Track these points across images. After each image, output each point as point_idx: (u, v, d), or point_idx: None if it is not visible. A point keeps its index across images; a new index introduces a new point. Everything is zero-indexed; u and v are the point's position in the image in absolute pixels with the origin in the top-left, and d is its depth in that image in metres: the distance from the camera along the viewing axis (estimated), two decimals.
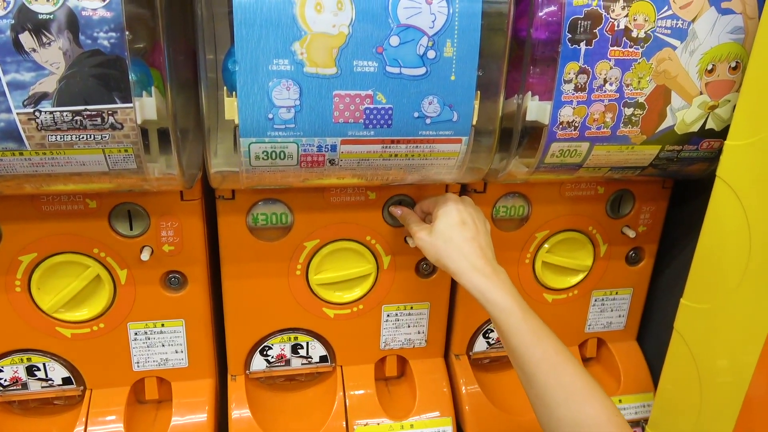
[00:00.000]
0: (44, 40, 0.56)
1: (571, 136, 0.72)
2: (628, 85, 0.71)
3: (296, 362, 0.93)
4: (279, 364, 0.92)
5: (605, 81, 0.70)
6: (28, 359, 0.83)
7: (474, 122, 0.69)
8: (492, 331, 0.98)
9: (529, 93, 0.71)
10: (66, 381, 0.86)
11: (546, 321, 0.97)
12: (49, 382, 0.86)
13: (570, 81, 0.69)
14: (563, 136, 0.72)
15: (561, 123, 0.71)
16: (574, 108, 0.70)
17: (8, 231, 0.75)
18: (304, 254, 0.85)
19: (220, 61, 0.65)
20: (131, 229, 0.79)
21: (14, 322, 0.80)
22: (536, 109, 0.71)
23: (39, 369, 0.84)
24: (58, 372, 0.85)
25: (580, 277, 0.96)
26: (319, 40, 0.62)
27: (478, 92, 0.68)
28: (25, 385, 0.85)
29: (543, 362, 0.66)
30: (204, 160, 0.74)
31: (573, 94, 0.70)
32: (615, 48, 0.69)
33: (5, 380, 0.84)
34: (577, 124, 0.71)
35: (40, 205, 0.75)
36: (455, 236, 0.73)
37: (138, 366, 0.87)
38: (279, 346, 0.91)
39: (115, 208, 0.77)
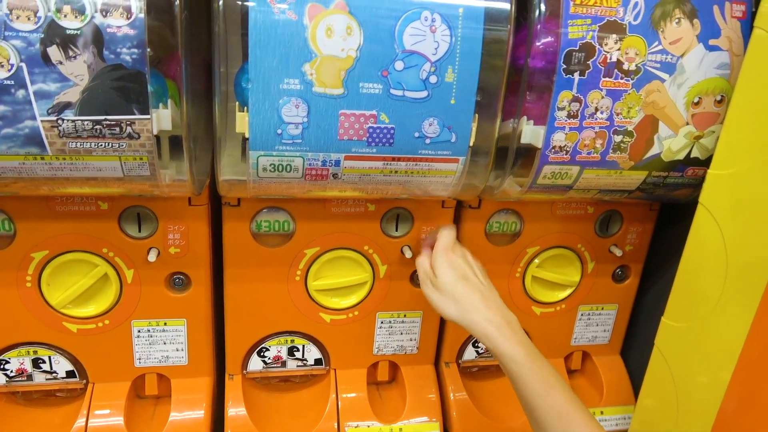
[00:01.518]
0: (70, 53, 0.60)
1: (562, 160, 0.76)
2: (618, 114, 0.75)
3: (292, 364, 0.96)
4: (275, 365, 0.95)
5: (596, 109, 0.74)
6: (35, 352, 0.87)
7: (471, 143, 0.73)
8: None
9: (525, 117, 0.75)
10: (70, 374, 0.89)
11: (534, 333, 1.02)
12: (54, 374, 0.89)
13: (563, 108, 0.73)
14: (555, 160, 0.76)
15: (553, 147, 0.75)
16: (566, 133, 0.74)
17: (22, 229, 0.79)
18: (304, 261, 0.89)
19: (232, 75, 0.69)
20: (140, 231, 0.82)
21: (23, 316, 0.83)
22: (531, 133, 0.75)
23: (44, 362, 0.88)
24: (62, 365, 0.88)
25: (568, 292, 1.00)
26: (329, 62, 0.66)
27: (476, 115, 0.72)
28: (30, 377, 0.88)
29: (553, 411, 0.69)
30: (213, 167, 0.77)
31: (566, 120, 0.74)
32: (607, 79, 0.73)
33: (11, 371, 0.87)
34: (568, 149, 0.75)
35: (54, 205, 0.78)
36: (461, 291, 0.76)
37: (139, 362, 0.90)
38: (276, 348, 0.94)
39: (125, 210, 0.80)
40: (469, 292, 0.76)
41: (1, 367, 0.86)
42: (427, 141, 0.71)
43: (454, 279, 0.77)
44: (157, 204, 0.81)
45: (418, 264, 0.83)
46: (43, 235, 0.79)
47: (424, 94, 0.69)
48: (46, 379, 0.89)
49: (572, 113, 0.73)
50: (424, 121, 0.70)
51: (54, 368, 0.88)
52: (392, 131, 0.70)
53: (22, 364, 0.87)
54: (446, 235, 0.81)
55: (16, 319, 0.83)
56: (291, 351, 0.95)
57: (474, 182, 0.78)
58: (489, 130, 0.74)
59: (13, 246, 0.79)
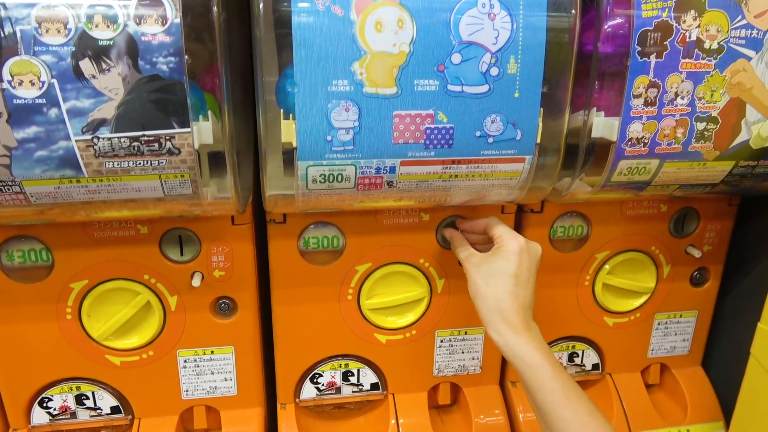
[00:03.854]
0: (104, 66, 0.55)
1: (640, 153, 0.69)
2: (700, 99, 0.67)
3: (347, 390, 0.90)
4: (329, 391, 0.89)
5: (676, 95, 0.66)
6: (77, 388, 0.82)
7: (538, 140, 0.66)
8: None
9: (595, 109, 0.68)
10: (114, 410, 0.84)
11: (606, 346, 0.94)
12: (98, 411, 0.84)
13: (639, 95, 0.66)
14: (632, 153, 0.68)
15: (630, 139, 0.67)
16: (643, 123, 0.67)
17: (60, 258, 0.75)
18: (356, 278, 0.83)
19: (272, 83, 0.64)
20: (182, 254, 0.78)
21: (64, 350, 0.79)
22: (602, 126, 0.68)
23: (88, 398, 0.83)
24: (106, 401, 0.83)
25: (643, 299, 0.92)
26: (379, 59, 0.60)
27: (542, 109, 0.65)
28: (74, 414, 0.84)
29: (575, 423, 0.63)
30: (255, 183, 0.72)
31: (643, 108, 0.66)
32: (687, 60, 0.65)
33: (54, 409, 0.83)
34: (646, 140, 0.68)
35: (92, 231, 0.74)
36: (500, 285, 0.68)
37: (187, 394, 0.85)
38: (330, 374, 0.88)
39: (166, 233, 0.76)
40: (508, 292, 0.68)
41: (44, 405, 0.82)
42: (490, 140, 0.65)
43: (506, 271, 0.68)
44: (199, 225, 0.76)
45: (455, 236, 0.77)
46: (82, 264, 0.75)
47: (484, 88, 0.63)
48: (91, 416, 0.84)
49: (649, 100, 0.66)
50: (486, 118, 0.64)
51: (98, 404, 0.84)
52: (451, 131, 0.64)
53: (65, 401, 0.83)
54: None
55: (57, 354, 0.79)
56: (345, 376, 0.89)
57: (541, 184, 0.71)
58: (557, 125, 0.67)
59: (51, 277, 0.75)
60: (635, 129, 0.67)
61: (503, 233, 0.71)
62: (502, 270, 0.68)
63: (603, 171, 0.70)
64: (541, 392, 0.64)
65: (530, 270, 0.70)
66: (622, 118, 0.66)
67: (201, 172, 0.64)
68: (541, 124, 0.65)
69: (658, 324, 0.95)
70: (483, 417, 0.91)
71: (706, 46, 0.65)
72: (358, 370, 0.89)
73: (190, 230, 0.76)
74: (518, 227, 0.85)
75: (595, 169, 0.71)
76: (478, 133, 0.64)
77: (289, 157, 0.64)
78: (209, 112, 0.62)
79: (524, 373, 0.65)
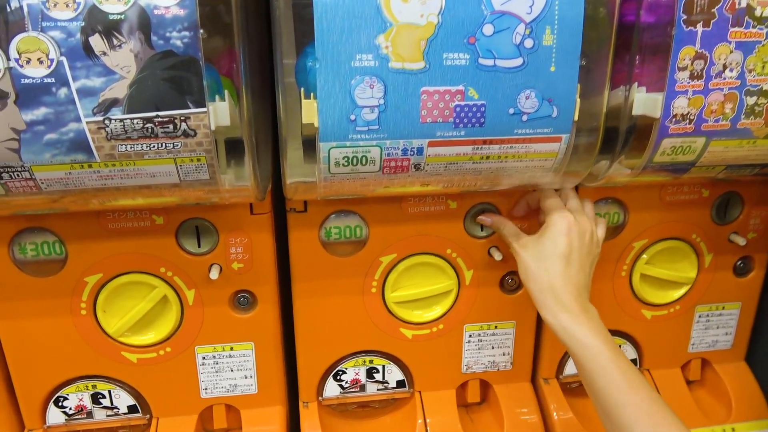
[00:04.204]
0: (115, 42, 0.52)
1: (685, 131, 0.64)
2: (750, 71, 0.62)
3: (372, 387, 0.86)
4: (353, 389, 0.85)
5: (725, 67, 0.62)
6: (93, 386, 0.79)
7: (575, 118, 0.62)
8: None
9: (636, 84, 0.63)
10: (132, 409, 0.81)
11: (645, 340, 0.89)
12: (115, 410, 0.81)
13: (685, 68, 0.61)
14: (676, 131, 0.64)
15: (674, 116, 0.63)
16: (689, 98, 0.62)
17: (74, 251, 0.72)
18: (380, 270, 0.79)
19: (292, 66, 0.60)
20: (199, 246, 0.74)
21: (79, 347, 0.76)
22: (644, 102, 0.63)
23: (104, 396, 0.80)
24: (123, 399, 0.80)
25: (683, 290, 0.87)
26: (406, 31, 0.56)
27: (579, 85, 0.61)
28: (90, 414, 0.81)
29: (637, 410, 0.58)
30: (276, 170, 0.69)
31: (688, 82, 0.62)
32: (736, 29, 0.61)
33: (70, 409, 0.80)
34: (692, 117, 0.63)
35: (106, 222, 0.71)
36: (552, 268, 0.66)
37: (206, 393, 0.82)
38: (353, 371, 0.84)
39: (182, 224, 0.73)
40: (560, 274, 0.65)
41: (60, 404, 0.79)
42: (524, 118, 0.61)
43: (557, 253, 0.66)
44: (217, 215, 0.73)
45: (500, 221, 0.75)
46: (97, 256, 0.72)
47: (518, 61, 0.58)
48: (107, 416, 0.81)
49: (696, 73, 0.61)
50: (520, 94, 0.60)
51: (115, 403, 0.81)
52: (483, 109, 0.60)
53: (81, 400, 0.80)
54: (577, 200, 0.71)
55: (72, 351, 0.76)
56: (370, 373, 0.85)
57: (577, 167, 0.67)
58: (595, 102, 0.63)
59: (65, 270, 0.72)
60: (680, 104, 0.62)
61: (552, 208, 0.68)
62: (550, 251, 0.66)
63: (644, 151, 0.66)
64: (601, 378, 0.60)
65: (582, 249, 0.67)
66: (666, 92, 0.62)
67: (218, 157, 0.61)
68: (578, 100, 0.61)
69: (699, 317, 0.90)
70: (515, 416, 0.86)
71: (758, 13, 0.60)
72: (383, 366, 0.85)
73: (208, 220, 0.73)
74: None
75: (635, 150, 0.67)
76: (511, 111, 0.60)
77: (310, 140, 0.60)
78: (226, 93, 0.58)
79: (581, 358, 0.62)
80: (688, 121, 0.63)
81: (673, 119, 0.63)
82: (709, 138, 0.65)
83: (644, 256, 0.84)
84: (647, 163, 0.67)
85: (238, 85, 0.58)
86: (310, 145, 0.61)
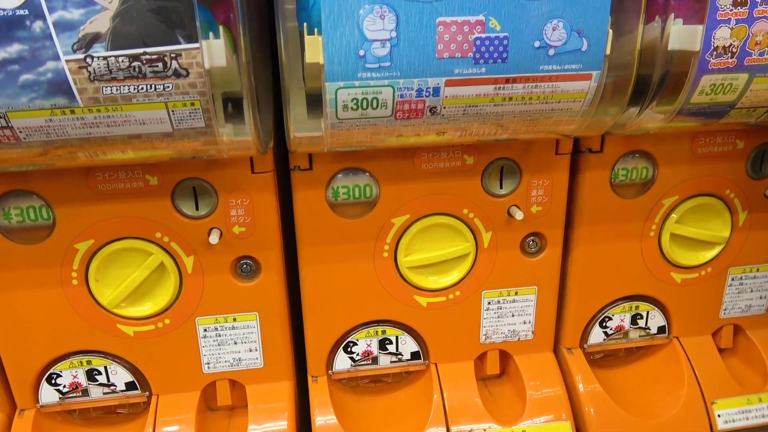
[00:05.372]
0: None
1: (726, 66, 0.58)
2: None
3: (385, 360, 0.81)
4: (365, 362, 0.80)
5: None
6: (88, 362, 0.75)
7: (607, 51, 0.56)
8: (610, 319, 0.83)
9: (672, 15, 0.57)
10: (130, 386, 0.77)
11: (674, 306, 0.84)
12: (112, 387, 0.76)
13: None
14: (717, 66, 0.58)
15: (715, 48, 0.57)
16: (731, 28, 0.56)
17: (62, 215, 0.67)
18: (392, 233, 0.73)
19: (293, 11, 0.55)
20: (197, 208, 0.69)
21: (72, 320, 0.71)
22: (682, 34, 0.57)
23: (100, 373, 0.75)
24: (120, 376, 0.76)
25: (716, 251, 0.82)
26: None
27: (611, 17, 0.55)
28: (85, 392, 0.76)
29: None
30: (279, 125, 0.64)
31: (731, 10, 0.56)
32: None
33: (64, 386, 0.75)
34: (735, 50, 0.57)
35: (96, 184, 0.66)
36: None
37: (208, 367, 0.77)
38: (365, 342, 0.79)
39: (178, 184, 0.68)
40: None
41: (53, 381, 0.75)
42: (551, 52, 0.55)
43: None
44: (215, 175, 0.68)
45: None
46: (87, 221, 0.67)
47: None
48: (104, 393, 0.77)
49: (739, 0, 0.55)
50: (546, 25, 0.54)
51: (112, 380, 0.76)
52: (505, 42, 0.54)
53: (75, 377, 0.75)
54: None
55: (64, 324, 0.71)
56: (383, 344, 0.80)
57: (607, 111, 0.61)
58: (629, 36, 0.57)
59: (53, 237, 0.67)
60: (722, 35, 0.57)
61: None
62: None
63: (681, 91, 0.60)
64: None
65: None
66: (707, 22, 0.56)
67: (215, 109, 0.55)
68: (611, 32, 0.55)
69: (732, 280, 0.84)
70: (537, 388, 0.81)
71: None
72: (397, 337, 0.80)
73: (206, 180, 0.68)
74: (574, 171, 0.75)
75: (670, 91, 0.61)
76: (537, 44, 0.54)
77: (315, 92, 0.55)
78: (221, 29, 0.53)
79: None
80: (730, 54, 0.57)
81: (714, 52, 0.57)
82: (752, 74, 0.59)
83: (674, 215, 0.79)
84: (684, 105, 0.61)
85: (234, 28, 0.52)
86: (315, 95, 0.55)
